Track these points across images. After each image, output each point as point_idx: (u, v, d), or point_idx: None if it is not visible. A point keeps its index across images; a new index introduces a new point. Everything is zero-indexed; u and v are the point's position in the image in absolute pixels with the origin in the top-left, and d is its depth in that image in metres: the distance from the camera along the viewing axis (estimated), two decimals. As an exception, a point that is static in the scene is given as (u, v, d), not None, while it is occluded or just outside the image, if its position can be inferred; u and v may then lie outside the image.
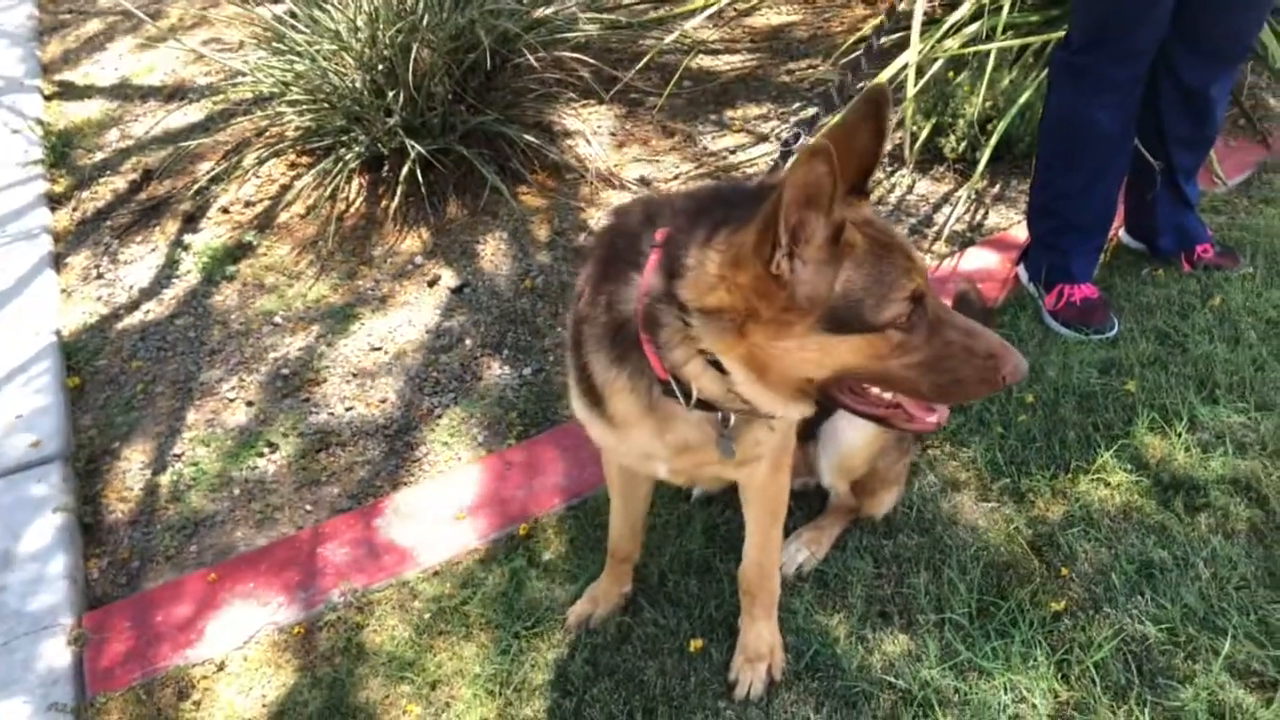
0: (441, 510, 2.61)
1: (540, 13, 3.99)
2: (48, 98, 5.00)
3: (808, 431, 2.29)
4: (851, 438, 2.27)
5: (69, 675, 2.29)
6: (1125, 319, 2.88)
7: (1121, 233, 3.18)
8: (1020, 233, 3.12)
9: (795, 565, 2.32)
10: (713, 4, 4.17)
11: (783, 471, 1.97)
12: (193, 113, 4.63)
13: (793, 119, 4.12)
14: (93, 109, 4.86)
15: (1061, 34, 2.75)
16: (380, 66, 3.78)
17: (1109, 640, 2.03)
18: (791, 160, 1.84)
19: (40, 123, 4.72)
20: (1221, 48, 2.65)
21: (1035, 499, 2.38)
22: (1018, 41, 3.42)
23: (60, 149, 4.51)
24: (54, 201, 4.15)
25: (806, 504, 2.45)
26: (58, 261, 3.81)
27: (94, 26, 5.55)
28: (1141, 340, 2.77)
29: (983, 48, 3.35)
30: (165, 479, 2.85)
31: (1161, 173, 2.90)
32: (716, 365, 1.53)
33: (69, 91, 5.08)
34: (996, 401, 2.63)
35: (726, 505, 2.43)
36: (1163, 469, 2.40)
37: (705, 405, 1.62)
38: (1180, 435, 2.46)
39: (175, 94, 4.88)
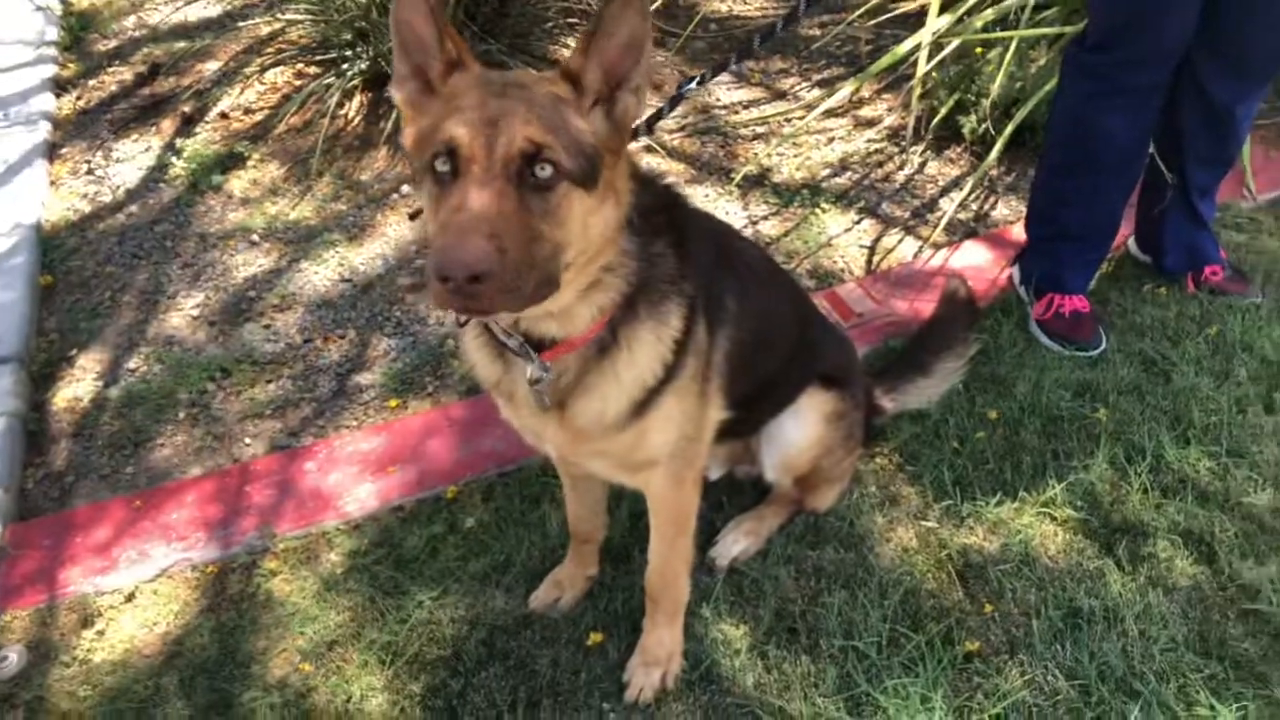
0: (374, 460, 2.56)
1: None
2: (74, -26, 4.92)
3: (749, 428, 2.19)
4: (796, 437, 2.17)
5: (-20, 588, 2.30)
6: (1113, 338, 2.71)
7: (1130, 241, 2.99)
8: (1022, 230, 2.94)
9: (731, 556, 2.25)
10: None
11: (685, 486, 1.87)
12: (212, 7, 4.52)
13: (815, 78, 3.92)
14: (115, -9, 4.77)
15: (1081, 26, 2.54)
16: (388, -19, 3.63)
17: (1016, 690, 1.94)
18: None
19: (63, 1, 4.65)
20: (1253, 65, 2.42)
21: (975, 526, 2.27)
22: (1048, 32, 3.17)
23: (76, 31, 4.45)
24: (60, 87, 4.11)
25: (754, 490, 2.36)
26: (52, 151, 3.77)
27: (128, -97, 5.40)
28: (1124, 364, 2.61)
29: (1006, 35, 3.10)
30: (115, 393, 2.83)
31: (1175, 188, 2.70)
32: None
33: (95, -31, 4.98)
34: (956, 414, 2.51)
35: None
36: (1114, 510, 2.27)
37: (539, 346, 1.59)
38: (1140, 475, 2.32)
39: (195, -16, 4.76)
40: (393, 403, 2.77)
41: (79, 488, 2.59)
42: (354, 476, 2.53)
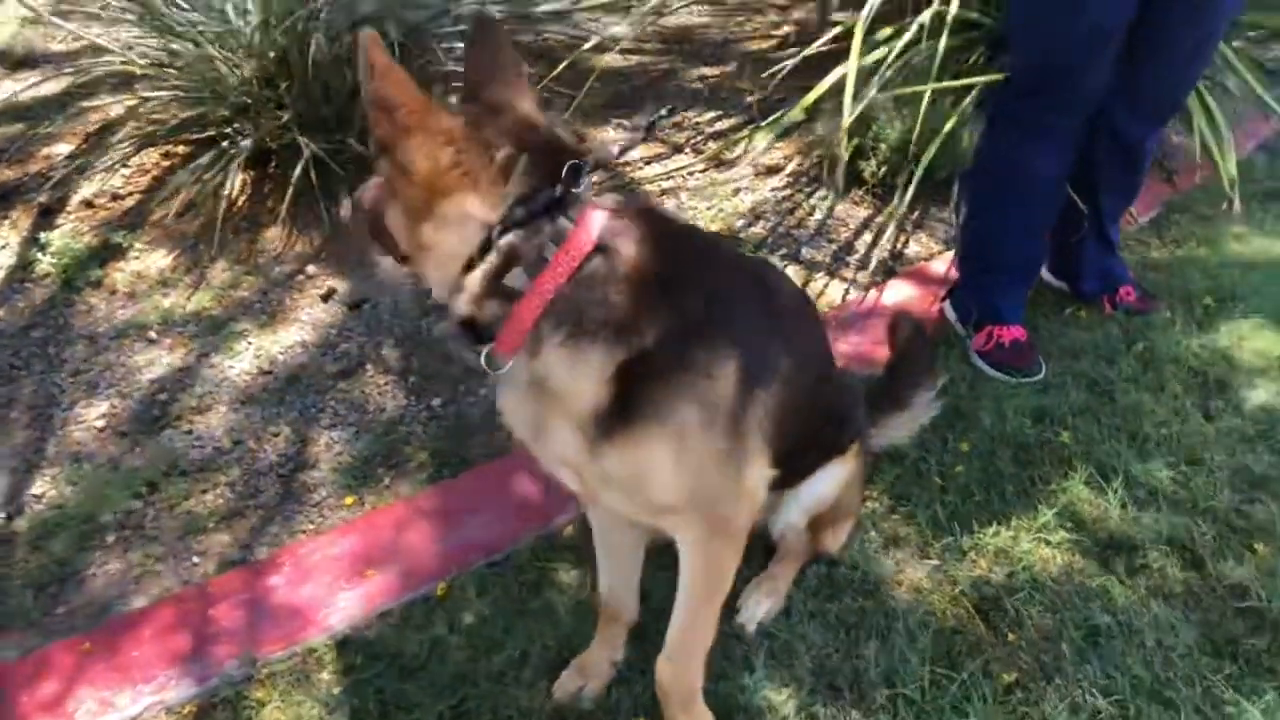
0: (347, 565, 2.38)
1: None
2: None
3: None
4: (825, 491, 2.14)
5: (-87, 771, 1.98)
6: (1052, 364, 2.87)
7: (1043, 270, 3.18)
8: (939, 265, 3.07)
9: (756, 620, 2.19)
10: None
11: (727, 539, 1.75)
12: (47, 86, 4.17)
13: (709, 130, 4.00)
14: (-75, 75, 4.33)
15: (1000, 76, 2.70)
16: (272, 54, 3.45)
17: (1061, 714, 1.99)
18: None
19: None
20: (1162, 105, 2.65)
21: (978, 558, 2.33)
22: (958, 83, 3.31)
23: (-114, 122, 4.00)
24: (-120, 185, 3.66)
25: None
26: (-113, 258, 3.35)
27: (-72, -21, 4.94)
28: (1071, 388, 2.76)
29: (918, 88, 3.22)
30: (24, 525, 2.52)
31: (1088, 217, 2.90)
32: None
33: (-103, 53, 4.52)
34: (933, 451, 2.58)
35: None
36: (1100, 527, 2.39)
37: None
38: (1116, 492, 2.45)
39: (24, 63, 4.40)
40: (348, 500, 2.59)
41: (7, 639, 2.27)
42: (329, 585, 2.34)
